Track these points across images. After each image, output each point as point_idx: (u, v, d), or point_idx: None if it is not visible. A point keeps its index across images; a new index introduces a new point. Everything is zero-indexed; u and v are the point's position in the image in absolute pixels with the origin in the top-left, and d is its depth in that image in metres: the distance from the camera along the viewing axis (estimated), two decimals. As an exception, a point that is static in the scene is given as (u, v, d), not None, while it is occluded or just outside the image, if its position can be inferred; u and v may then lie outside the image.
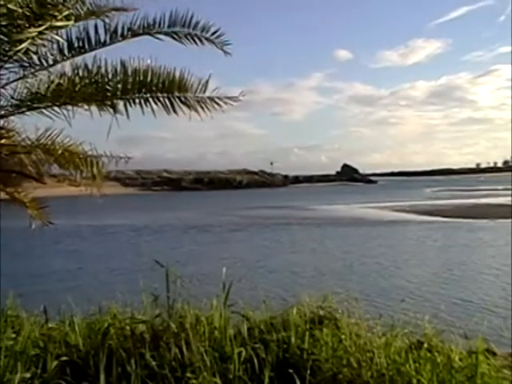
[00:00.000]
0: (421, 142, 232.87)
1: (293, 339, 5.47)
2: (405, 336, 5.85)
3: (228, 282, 6.25)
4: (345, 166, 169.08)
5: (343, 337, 5.58)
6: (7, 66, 9.09)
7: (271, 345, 5.39)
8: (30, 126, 9.44)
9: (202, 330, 5.56)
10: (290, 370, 5.04)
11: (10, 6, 8.31)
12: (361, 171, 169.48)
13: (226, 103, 9.92)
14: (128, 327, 5.78)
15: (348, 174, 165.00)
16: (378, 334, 5.86)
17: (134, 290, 7.07)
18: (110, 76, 9.57)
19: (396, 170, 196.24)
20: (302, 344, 5.41)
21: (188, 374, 4.95)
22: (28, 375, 4.84)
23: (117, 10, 9.35)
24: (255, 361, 5.16)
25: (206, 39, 9.97)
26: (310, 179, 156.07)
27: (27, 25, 8.55)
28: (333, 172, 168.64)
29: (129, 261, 30.34)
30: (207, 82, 9.80)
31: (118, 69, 9.57)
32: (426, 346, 5.55)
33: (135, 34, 9.65)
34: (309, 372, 5.07)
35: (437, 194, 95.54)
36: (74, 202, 25.02)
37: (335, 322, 5.82)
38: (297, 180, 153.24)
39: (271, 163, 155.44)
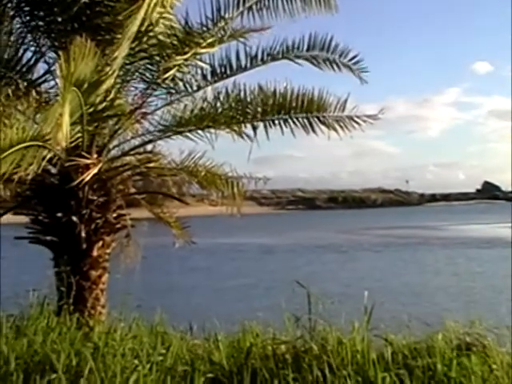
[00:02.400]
0: None
1: (439, 366, 5.28)
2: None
3: (369, 304, 6.13)
4: (486, 184, 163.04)
5: (494, 366, 5.32)
6: (155, 93, 9.50)
7: (416, 371, 5.24)
8: (174, 149, 9.79)
9: (344, 352, 5.48)
10: (437, 399, 4.87)
11: (159, 37, 8.70)
12: (503, 188, 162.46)
13: (364, 121, 9.90)
14: (270, 347, 5.79)
15: (489, 191, 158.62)
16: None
17: (267, 308, 7.08)
18: (249, 99, 9.79)
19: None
20: (449, 372, 5.21)
21: (331, 398, 4.90)
22: (178, 389, 4.95)
23: (254, 30, 9.54)
24: (399, 386, 5.03)
25: (344, 65, 9.99)
26: (447, 197, 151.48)
27: (174, 53, 8.92)
28: (472, 190, 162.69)
29: (257, 279, 30.68)
30: (346, 100, 9.83)
31: (257, 92, 9.78)
32: None
33: (274, 59, 9.81)
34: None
35: None
36: (211, 221, 25.63)
37: (484, 350, 5.56)
38: (433, 198, 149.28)
39: (407, 181, 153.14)
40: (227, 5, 9.25)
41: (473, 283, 28.35)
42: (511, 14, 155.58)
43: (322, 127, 9.83)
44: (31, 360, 5.35)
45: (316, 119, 9.78)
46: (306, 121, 9.78)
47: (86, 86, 6.91)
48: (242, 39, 9.52)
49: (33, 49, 8.97)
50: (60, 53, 7.40)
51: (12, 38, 8.69)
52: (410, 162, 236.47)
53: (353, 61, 9.93)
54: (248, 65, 9.76)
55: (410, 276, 31.85)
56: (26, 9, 8.79)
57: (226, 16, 9.28)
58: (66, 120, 6.26)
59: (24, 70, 8.64)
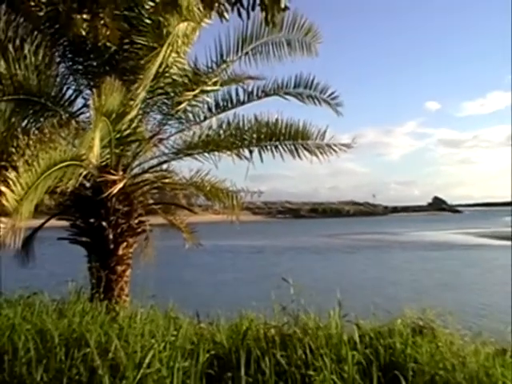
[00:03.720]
0: (501, 177, 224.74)
1: (398, 345, 5.34)
2: (491, 344, 5.59)
3: (341, 295, 6.18)
4: (435, 198, 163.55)
5: (440, 344, 5.40)
6: (170, 122, 9.58)
7: (379, 349, 5.30)
8: (185, 168, 9.85)
9: (321, 335, 5.53)
10: (396, 372, 4.93)
11: (174, 77, 8.79)
12: (449, 202, 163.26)
13: (340, 149, 9.98)
14: (262, 331, 5.81)
15: (438, 204, 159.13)
16: (469, 342, 5.65)
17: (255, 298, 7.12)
18: (246, 128, 9.87)
19: (480, 201, 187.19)
20: (406, 349, 5.28)
21: (311, 372, 4.93)
22: (186, 364, 4.97)
23: (251, 78, 9.64)
24: (366, 363, 5.08)
25: (323, 100, 10.07)
26: (406, 209, 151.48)
27: (185, 90, 9.00)
28: (425, 203, 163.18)
29: (248, 273, 30.71)
30: (325, 131, 9.93)
31: (253, 122, 9.87)
32: (510, 352, 5.35)
33: (267, 95, 9.90)
34: (411, 373, 4.95)
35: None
36: (214, 227, 25.59)
37: (433, 332, 5.65)
38: (395, 210, 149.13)
39: (373, 195, 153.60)
40: (228, 51, 9.37)
41: (424, 278, 28.50)
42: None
43: (306, 153, 9.91)
44: (70, 336, 5.38)
45: (301, 146, 9.86)
46: (292, 147, 9.85)
47: (114, 116, 6.99)
48: (241, 83, 9.61)
49: (73, 87, 9.09)
50: (94, 90, 7.52)
51: (58, 79, 8.76)
52: (376, 180, 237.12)
53: (331, 96, 10.03)
54: (246, 99, 9.86)
55: (373, 272, 31.87)
56: (69, 56, 8.91)
57: (228, 60, 9.40)
58: (97, 143, 6.34)
59: (66, 104, 8.72)
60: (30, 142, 6.70)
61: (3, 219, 5.94)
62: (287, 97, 9.96)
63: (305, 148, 9.85)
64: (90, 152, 6.28)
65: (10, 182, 5.92)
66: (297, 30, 9.49)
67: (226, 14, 3.72)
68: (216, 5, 3.66)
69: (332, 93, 10.00)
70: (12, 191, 5.89)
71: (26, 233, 9.55)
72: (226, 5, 3.57)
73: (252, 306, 6.58)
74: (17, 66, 7.69)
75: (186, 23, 7.39)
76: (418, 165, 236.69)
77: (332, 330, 5.59)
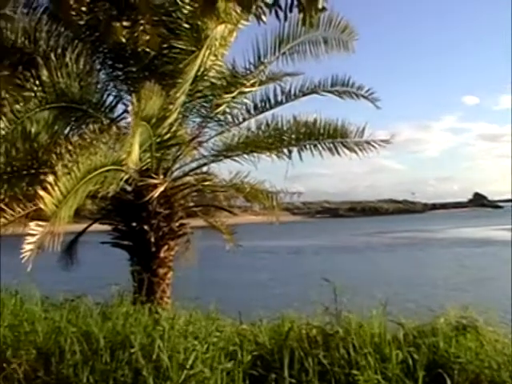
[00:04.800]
0: None
1: (441, 344, 5.27)
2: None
3: (384, 294, 6.13)
4: (475, 194, 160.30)
5: (484, 342, 5.31)
6: (209, 125, 9.64)
7: (423, 348, 5.23)
8: (224, 170, 9.92)
9: (364, 334, 5.49)
10: (440, 370, 4.86)
11: (212, 80, 8.85)
12: (489, 198, 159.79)
13: (379, 145, 9.93)
14: (304, 331, 5.80)
15: (478, 200, 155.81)
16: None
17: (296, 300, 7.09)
18: (285, 128, 9.88)
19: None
20: (449, 348, 5.19)
21: (354, 371, 4.90)
22: (229, 365, 4.99)
23: (288, 74, 9.65)
24: (410, 361, 5.02)
25: (361, 95, 10.04)
26: (445, 206, 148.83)
27: (223, 92, 9.05)
28: (465, 199, 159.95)
29: (287, 274, 30.66)
30: (364, 128, 9.90)
31: (291, 122, 9.87)
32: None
33: (305, 94, 9.90)
34: (455, 372, 4.88)
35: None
36: (252, 228, 25.69)
37: (476, 330, 5.54)
38: (434, 207, 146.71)
39: (413, 193, 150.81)
40: (265, 52, 9.40)
41: (463, 275, 28.00)
42: None
43: (345, 150, 9.90)
44: (115, 339, 5.46)
45: (340, 144, 9.85)
46: (331, 145, 9.85)
47: (153, 120, 7.06)
48: (278, 82, 9.62)
49: (114, 93, 9.25)
50: (133, 95, 7.63)
51: (98, 86, 8.94)
52: (415, 177, 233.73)
53: (368, 93, 10.01)
54: (283, 100, 9.86)
55: (412, 270, 31.48)
56: (109, 63, 9.08)
57: (265, 61, 9.42)
58: (136, 148, 6.41)
59: (107, 110, 8.87)
60: (71, 148, 6.79)
61: (41, 223, 6.00)
62: (324, 93, 9.95)
63: (344, 145, 9.83)
64: (129, 157, 6.36)
65: (49, 187, 5.96)
66: (333, 28, 9.48)
67: (263, 16, 3.73)
68: (254, 7, 3.68)
69: (369, 89, 10.01)
70: (50, 195, 5.93)
71: (68, 237, 9.82)
72: (264, 7, 3.59)
73: (293, 306, 6.57)
74: (59, 75, 7.84)
75: (223, 26, 7.43)
76: (456, 160, 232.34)
77: (375, 329, 5.54)
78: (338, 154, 9.91)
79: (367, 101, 10.09)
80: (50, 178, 6.03)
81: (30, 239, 5.95)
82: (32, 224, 6.05)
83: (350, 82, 9.90)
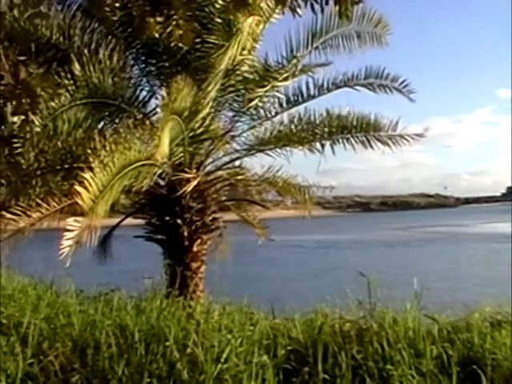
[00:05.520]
0: None
1: (476, 339, 5.19)
2: None
3: (418, 289, 6.06)
4: (509, 188, 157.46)
5: (519, 339, 5.22)
6: (241, 119, 9.64)
7: (457, 344, 5.16)
8: (257, 164, 9.92)
9: (398, 329, 5.44)
10: (474, 366, 4.79)
11: (244, 74, 8.84)
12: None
13: (413, 139, 9.83)
14: (337, 325, 5.77)
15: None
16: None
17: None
18: (318, 122, 9.82)
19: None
20: (484, 344, 5.11)
21: (388, 367, 4.86)
22: (263, 359, 4.99)
23: (319, 65, 9.60)
24: (444, 357, 4.96)
25: (395, 88, 9.94)
26: (478, 200, 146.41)
27: (256, 87, 9.04)
28: (498, 193, 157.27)
29: (317, 268, 30.61)
30: (397, 122, 9.81)
31: (324, 116, 9.81)
32: None
33: (338, 87, 9.84)
34: (490, 368, 4.79)
35: None
36: (283, 223, 25.67)
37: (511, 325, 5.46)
38: (467, 201, 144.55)
39: (445, 187, 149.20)
40: (298, 46, 9.36)
41: (495, 270, 27.53)
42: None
43: (378, 144, 9.82)
44: (149, 332, 5.50)
45: (373, 137, 9.77)
46: (364, 138, 9.77)
47: (186, 114, 7.08)
48: (310, 73, 9.57)
49: (147, 89, 9.34)
50: (163, 88, 7.66)
51: (132, 82, 9.03)
52: (447, 171, 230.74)
53: (402, 84, 9.90)
54: (316, 93, 9.82)
55: (444, 265, 31.03)
56: (142, 58, 9.17)
57: (298, 55, 9.37)
58: (165, 141, 6.45)
59: (140, 105, 8.94)
60: (106, 143, 6.86)
61: (79, 218, 6.08)
62: (357, 87, 9.88)
63: (377, 139, 9.76)
64: (158, 150, 6.39)
65: (86, 182, 6.03)
66: (366, 22, 9.41)
67: (298, 9, 3.71)
68: (289, 0, 3.66)
69: (403, 81, 9.94)
70: (87, 191, 6.01)
71: (103, 231, 9.95)
72: (299, 0, 3.56)
73: (326, 300, 6.54)
74: (92, 70, 7.92)
75: (252, 18, 7.40)
76: (489, 154, 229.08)
77: (409, 324, 5.49)
78: (371, 147, 9.87)
79: (401, 94, 10.00)
80: (87, 174, 6.10)
81: (69, 235, 6.04)
82: (70, 220, 6.14)
83: (385, 73, 9.84)
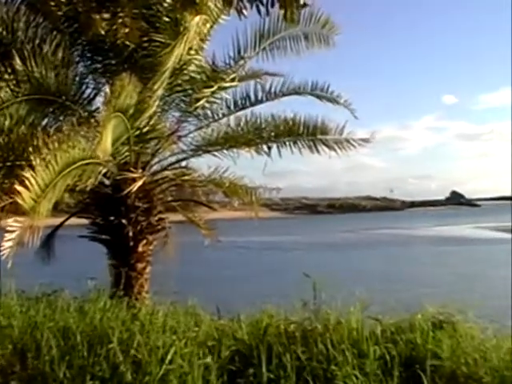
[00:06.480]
0: None
1: (418, 340, 5.31)
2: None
3: (363, 290, 6.17)
4: (453, 193, 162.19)
5: (460, 339, 5.36)
6: (188, 119, 9.60)
7: (400, 344, 5.28)
8: (204, 165, 9.88)
9: (342, 330, 5.52)
10: (416, 366, 4.91)
11: (191, 74, 8.81)
12: (466, 196, 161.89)
13: (359, 144, 9.99)
14: (282, 326, 5.81)
15: (455, 199, 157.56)
16: (490, 336, 5.60)
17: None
18: (264, 125, 9.89)
19: (498, 195, 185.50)
20: (426, 344, 5.24)
21: (332, 367, 4.93)
22: (208, 360, 4.99)
23: (268, 74, 9.65)
24: (387, 357, 5.06)
25: (339, 103, 10.08)
26: (423, 204, 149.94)
27: (203, 87, 9.03)
28: (442, 197, 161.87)
29: (263, 269, 30.86)
30: (344, 126, 9.95)
31: (270, 119, 9.88)
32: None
33: (285, 94, 9.91)
34: (432, 368, 4.92)
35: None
36: (231, 224, 25.74)
37: (453, 326, 5.60)
38: (412, 204, 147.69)
39: (391, 190, 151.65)
40: (246, 47, 9.40)
41: (439, 273, 28.32)
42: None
43: (324, 148, 9.93)
44: (92, 334, 5.43)
45: (319, 141, 9.88)
46: (311, 142, 9.88)
47: (130, 112, 6.98)
48: (258, 79, 9.62)
49: (92, 86, 9.13)
50: (107, 86, 7.54)
51: (77, 79, 8.83)
52: (394, 175, 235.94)
53: (346, 103, 10.09)
54: (264, 98, 9.87)
55: (393, 267, 31.74)
56: (88, 55, 8.99)
57: (245, 56, 9.42)
58: (107, 139, 6.33)
59: (85, 103, 8.77)
60: (49, 141, 6.71)
61: (20, 218, 5.92)
62: (305, 95, 10.00)
63: (323, 143, 9.87)
64: (99, 147, 6.29)
65: (26, 181, 5.86)
66: (314, 24, 9.50)
67: (244, 10, 3.73)
68: (235, 2, 3.67)
69: (346, 100, 10.11)
70: (28, 190, 5.84)
71: (46, 231, 9.72)
72: (245, 1, 3.58)
73: (271, 301, 6.58)
74: (34, 65, 7.74)
75: (199, 17, 7.37)
76: (435, 159, 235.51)
77: (353, 325, 5.57)
78: (318, 151, 9.95)
79: (346, 109, 10.16)
80: (28, 173, 5.94)
81: (9, 236, 5.88)
82: (10, 220, 5.98)
83: (329, 89, 10.01)
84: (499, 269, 30.54)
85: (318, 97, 9.98)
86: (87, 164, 6.69)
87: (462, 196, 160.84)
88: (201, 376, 4.83)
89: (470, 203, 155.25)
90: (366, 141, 10.04)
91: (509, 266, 31.04)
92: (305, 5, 3.76)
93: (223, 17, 8.78)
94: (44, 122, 8.33)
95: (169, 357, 4.86)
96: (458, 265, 32.04)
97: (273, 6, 3.51)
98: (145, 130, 8.02)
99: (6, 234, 5.89)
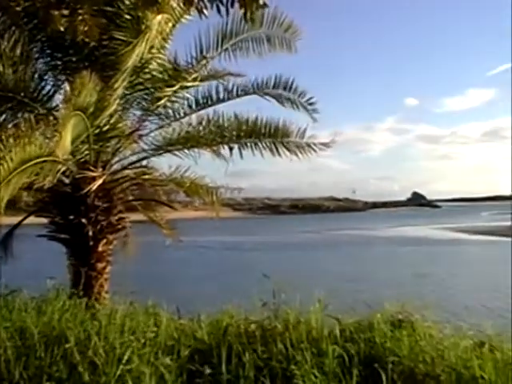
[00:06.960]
0: (478, 173, 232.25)
1: (377, 339, 5.38)
2: (469, 337, 5.66)
3: (324, 290, 6.23)
4: (414, 194, 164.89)
5: (418, 338, 5.45)
6: (149, 118, 9.54)
7: (359, 343, 5.34)
8: (165, 164, 9.83)
9: (302, 330, 5.56)
10: (375, 365, 4.97)
11: (153, 72, 8.76)
12: (428, 198, 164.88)
13: (320, 148, 10.06)
14: (242, 326, 5.83)
15: (417, 200, 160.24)
16: (448, 335, 5.71)
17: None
18: (226, 125, 9.89)
19: (458, 196, 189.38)
20: (385, 343, 5.31)
21: (292, 366, 4.96)
22: (167, 360, 4.97)
23: (231, 74, 9.63)
24: (346, 356, 5.12)
25: (301, 104, 10.09)
26: (385, 204, 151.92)
27: (165, 86, 8.98)
28: (404, 198, 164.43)
29: (224, 269, 30.94)
30: (305, 130, 9.99)
31: (232, 119, 9.89)
32: (487, 345, 5.40)
33: (247, 94, 9.91)
34: (390, 366, 4.99)
35: (492, 218, 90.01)
36: (194, 224, 25.74)
37: (412, 325, 5.70)
38: (375, 205, 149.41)
39: (353, 191, 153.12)
40: (208, 47, 9.35)
41: (400, 273, 28.79)
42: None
43: (285, 151, 9.96)
44: (50, 334, 5.36)
45: (280, 144, 9.90)
46: (272, 145, 9.90)
47: (90, 110, 6.91)
48: (221, 80, 9.61)
49: (52, 83, 8.98)
50: (66, 83, 7.42)
51: (36, 75, 8.68)
52: (356, 176, 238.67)
53: (309, 101, 10.05)
54: (225, 97, 9.84)
55: (354, 268, 32.12)
56: (48, 51, 8.83)
57: (208, 56, 9.38)
58: (67, 137, 6.25)
59: (44, 99, 8.61)
60: (4, 137, 6.59)
61: None
62: (266, 97, 9.99)
63: (284, 146, 9.90)
64: (58, 146, 6.20)
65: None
66: (277, 27, 9.51)
67: (205, 10, 3.73)
68: (195, 1, 3.67)
69: (310, 98, 10.06)
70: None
71: (4, 230, 9.54)
72: (206, 1, 3.58)
73: (232, 301, 6.58)
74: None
75: (161, 16, 7.33)
76: (397, 160, 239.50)
77: (312, 324, 5.62)
78: (279, 154, 9.95)
79: (306, 113, 10.15)
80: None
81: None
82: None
83: (294, 85, 9.93)
84: (461, 268, 31.33)
85: (280, 97, 9.96)
86: (44, 161, 6.60)
87: (423, 197, 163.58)
88: (158, 376, 4.81)
89: (431, 204, 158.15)
90: (326, 145, 10.11)
91: (470, 266, 31.89)
92: (264, 5, 3.77)
93: (186, 16, 8.73)
94: (1, 119, 8.17)
95: (126, 357, 4.82)
96: (419, 265, 32.58)
97: (232, 5, 3.52)
98: (105, 128, 7.94)
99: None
